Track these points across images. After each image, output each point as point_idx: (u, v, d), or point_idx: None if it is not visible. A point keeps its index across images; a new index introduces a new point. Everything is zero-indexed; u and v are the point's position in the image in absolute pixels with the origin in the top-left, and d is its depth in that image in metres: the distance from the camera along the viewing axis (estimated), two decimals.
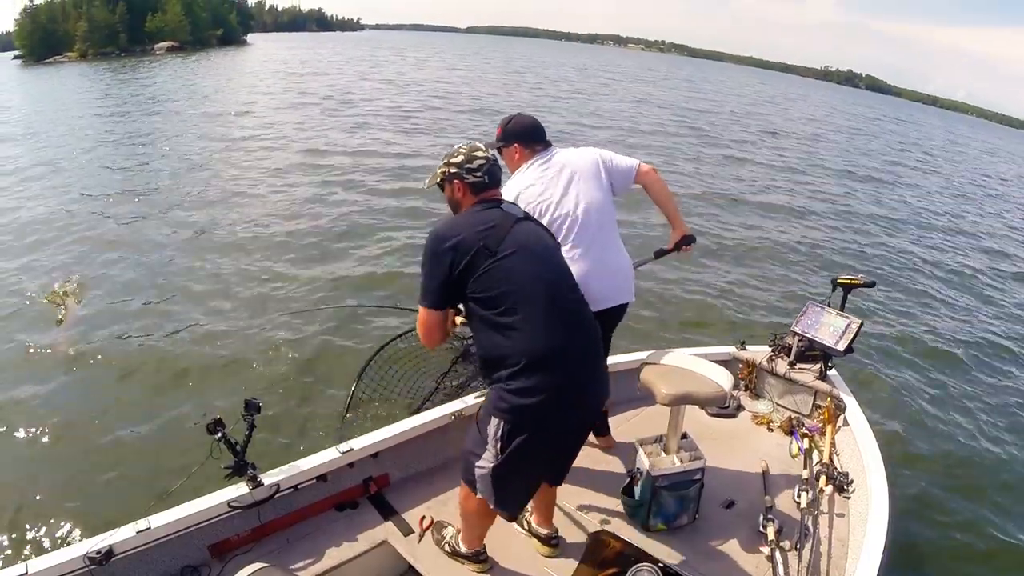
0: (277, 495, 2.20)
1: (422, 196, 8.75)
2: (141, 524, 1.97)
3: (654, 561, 2.17)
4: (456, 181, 1.90)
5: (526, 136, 2.46)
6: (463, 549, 2.16)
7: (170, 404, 4.06)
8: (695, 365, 2.47)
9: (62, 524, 3.06)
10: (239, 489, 2.14)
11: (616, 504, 2.50)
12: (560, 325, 1.77)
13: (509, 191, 2.31)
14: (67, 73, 36.19)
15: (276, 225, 7.90)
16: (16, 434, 3.77)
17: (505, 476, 1.83)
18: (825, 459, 2.70)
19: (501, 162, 2.07)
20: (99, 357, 4.66)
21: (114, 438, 3.74)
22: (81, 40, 57.79)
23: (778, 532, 2.27)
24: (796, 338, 3.17)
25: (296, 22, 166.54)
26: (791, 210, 10.34)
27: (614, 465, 2.77)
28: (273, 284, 6.08)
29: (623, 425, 3.02)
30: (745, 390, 3.38)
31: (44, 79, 32.97)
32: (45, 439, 3.74)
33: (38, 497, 3.26)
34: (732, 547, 2.32)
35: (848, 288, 3.13)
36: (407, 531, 2.34)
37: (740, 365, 3.37)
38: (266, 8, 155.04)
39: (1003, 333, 6.30)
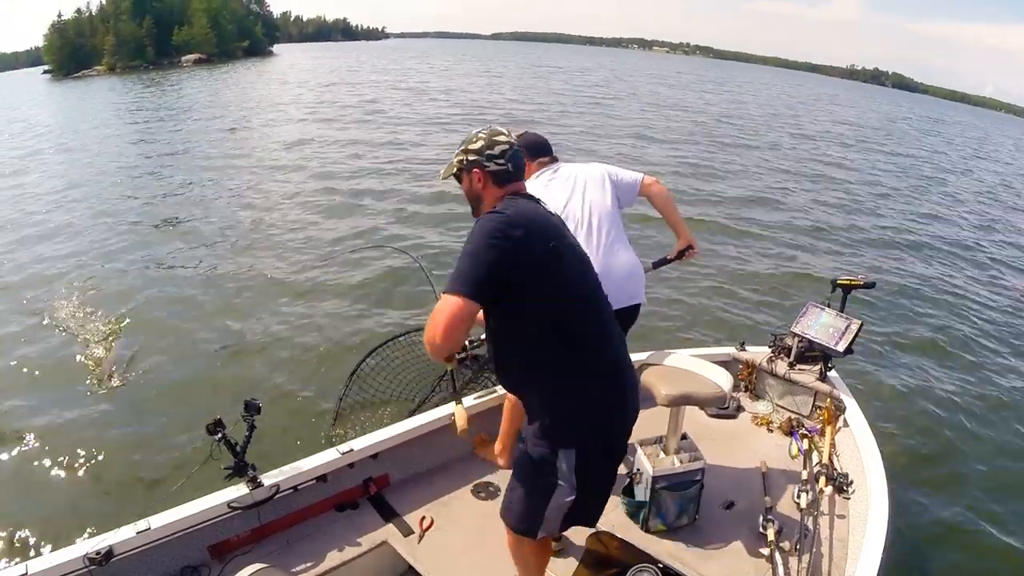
0: (277, 496, 2.20)
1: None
2: (141, 524, 1.97)
3: (654, 561, 2.17)
4: (476, 170, 1.69)
5: (533, 150, 2.54)
6: None
7: (170, 404, 4.06)
8: (695, 366, 2.47)
9: (62, 524, 3.06)
10: (239, 490, 2.14)
11: (616, 504, 2.50)
12: (611, 335, 1.70)
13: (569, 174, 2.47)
14: (97, 87, 36.68)
15: (287, 225, 7.98)
16: (16, 434, 3.78)
17: (584, 502, 1.72)
18: (825, 460, 2.70)
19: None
20: (98, 358, 4.66)
21: (114, 438, 3.74)
22: (109, 54, 58.90)
23: (778, 533, 2.27)
24: (796, 339, 3.17)
25: (321, 32, 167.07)
26: (793, 211, 10.34)
27: None
28: (276, 285, 6.09)
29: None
30: (745, 391, 3.38)
31: (74, 93, 33.39)
32: (45, 440, 3.74)
33: (38, 497, 3.26)
34: (732, 548, 2.32)
35: (848, 289, 3.13)
36: (407, 532, 2.34)
37: (740, 366, 3.37)
38: (291, 19, 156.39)
39: (1004, 333, 6.30)
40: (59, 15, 62.93)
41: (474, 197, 1.74)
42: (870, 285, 3.17)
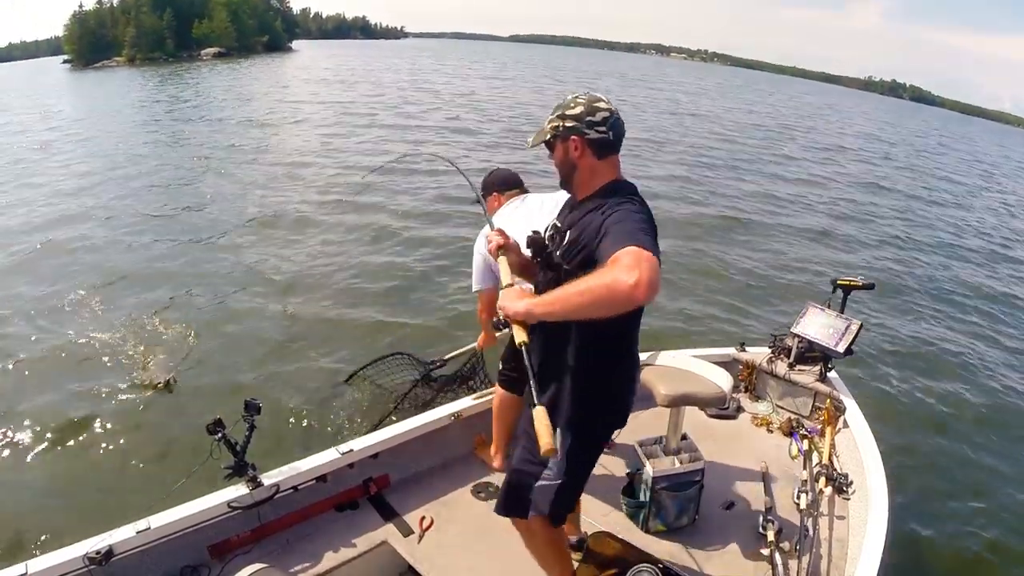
0: (277, 495, 2.20)
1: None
2: (141, 524, 1.97)
3: (654, 562, 2.17)
4: (574, 138, 1.56)
5: (502, 184, 2.68)
6: None
7: (170, 405, 4.06)
8: (695, 366, 2.48)
9: (62, 524, 3.05)
10: (239, 489, 2.14)
11: (616, 505, 2.50)
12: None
13: (481, 243, 2.47)
14: (117, 77, 36.84)
15: (295, 225, 7.98)
16: (16, 435, 3.77)
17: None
18: (825, 460, 2.70)
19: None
20: (98, 359, 4.66)
21: (114, 438, 3.74)
22: (129, 45, 59.00)
23: (778, 533, 2.28)
24: (796, 339, 3.17)
25: (340, 30, 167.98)
26: (795, 213, 10.35)
27: (614, 466, 2.77)
28: (281, 287, 6.09)
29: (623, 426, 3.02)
30: (745, 391, 3.38)
31: (94, 83, 33.64)
32: (45, 440, 3.74)
33: (39, 497, 3.26)
34: (732, 548, 2.32)
35: (848, 290, 3.14)
36: (407, 532, 2.34)
37: (740, 366, 3.38)
38: (311, 16, 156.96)
39: (1004, 334, 6.31)
40: (80, 5, 63.86)
41: (568, 167, 1.61)
42: (869, 287, 3.18)
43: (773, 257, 7.92)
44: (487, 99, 24.01)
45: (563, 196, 2.54)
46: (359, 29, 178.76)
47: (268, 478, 2.20)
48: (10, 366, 4.55)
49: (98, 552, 1.84)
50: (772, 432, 3.12)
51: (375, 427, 3.27)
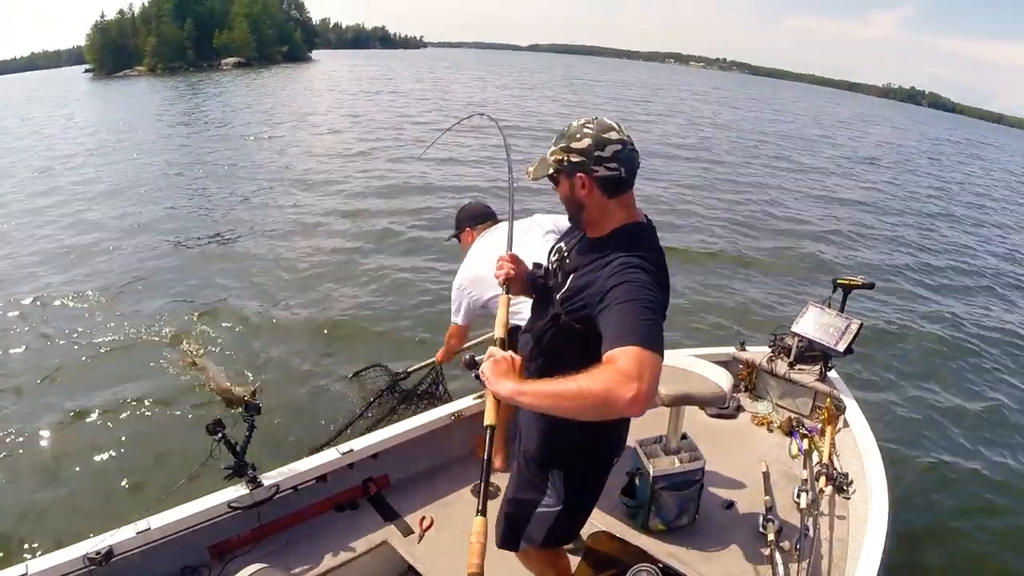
0: (277, 496, 2.20)
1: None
2: (141, 524, 1.97)
3: (654, 561, 2.17)
4: (580, 175, 1.38)
5: (473, 219, 2.72)
6: None
7: (169, 405, 4.06)
8: (695, 366, 2.47)
9: (62, 524, 3.06)
10: (239, 490, 2.14)
11: (616, 504, 2.50)
12: None
13: (468, 265, 2.51)
14: (140, 87, 37.23)
15: (303, 229, 8.02)
16: (16, 435, 3.77)
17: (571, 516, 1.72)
18: (825, 460, 2.69)
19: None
20: (98, 360, 4.66)
21: (114, 439, 3.74)
22: (150, 55, 60.03)
23: (778, 533, 2.27)
24: (796, 339, 3.17)
25: (360, 39, 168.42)
26: (797, 213, 10.34)
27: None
28: (285, 288, 6.10)
29: None
30: (745, 391, 3.38)
31: (116, 92, 34.02)
32: (45, 440, 3.74)
33: (39, 497, 3.26)
34: (732, 547, 2.32)
35: (848, 289, 3.13)
36: (407, 532, 2.34)
37: (740, 366, 3.37)
38: (330, 25, 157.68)
39: (1005, 334, 6.30)
40: (102, 15, 64.43)
41: (575, 205, 1.45)
42: (870, 286, 3.17)
43: (774, 256, 7.92)
44: (511, 109, 23.48)
45: (544, 220, 2.52)
46: (378, 39, 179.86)
47: (268, 478, 2.20)
48: (10, 366, 4.55)
49: (98, 552, 1.84)
50: (772, 431, 3.11)
51: (339, 434, 3.37)
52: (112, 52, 60.42)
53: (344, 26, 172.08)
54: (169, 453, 3.55)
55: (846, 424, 2.88)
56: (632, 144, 1.40)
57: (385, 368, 3.89)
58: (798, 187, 12.49)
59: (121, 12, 64.99)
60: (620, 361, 1.17)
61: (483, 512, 1.35)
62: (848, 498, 2.55)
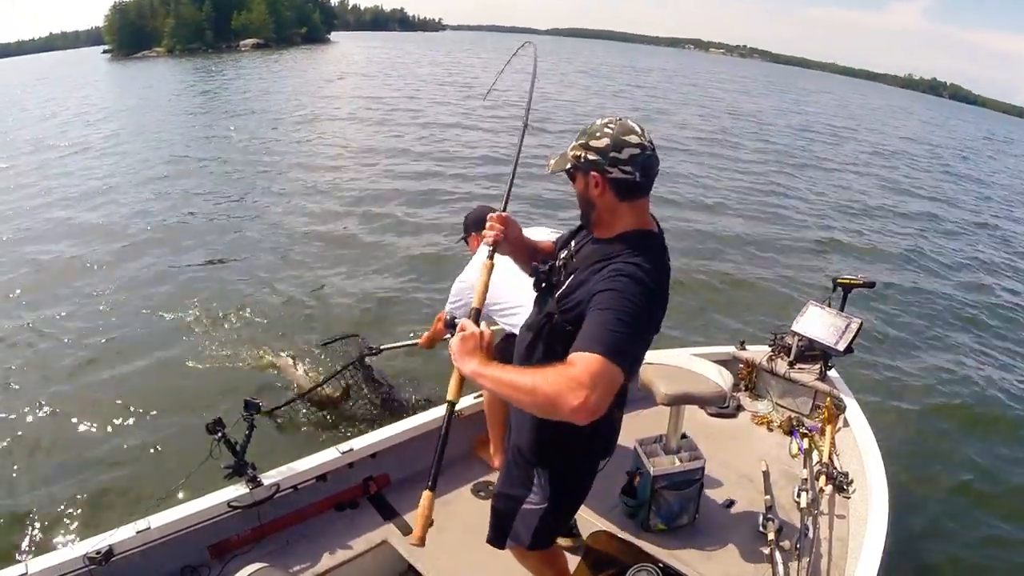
0: (277, 495, 2.20)
1: None
2: (141, 524, 1.97)
3: (654, 561, 2.17)
4: (595, 174, 1.37)
5: (478, 224, 2.63)
6: None
7: (169, 405, 4.06)
8: (695, 365, 2.47)
9: (62, 524, 3.06)
10: (239, 489, 2.14)
11: (616, 504, 2.50)
12: None
13: (473, 269, 2.47)
14: (159, 68, 37.37)
15: (312, 225, 7.98)
16: (16, 435, 3.78)
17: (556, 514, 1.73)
18: (825, 459, 2.70)
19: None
20: (98, 358, 4.66)
21: (114, 439, 3.74)
22: (168, 36, 60.07)
23: (778, 532, 2.27)
24: (796, 338, 3.16)
25: (378, 21, 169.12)
26: (797, 214, 10.33)
27: (614, 465, 2.76)
28: (287, 289, 6.10)
29: (623, 425, 3.02)
30: (745, 390, 3.38)
31: (135, 73, 34.35)
32: (45, 440, 3.74)
33: (39, 497, 3.26)
34: (732, 547, 2.32)
35: (848, 288, 3.13)
36: (407, 531, 2.34)
37: (740, 365, 3.37)
38: (349, 7, 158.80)
39: (1006, 333, 6.30)
40: None
41: (587, 203, 1.44)
42: (870, 285, 3.17)
43: (774, 255, 7.91)
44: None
45: (542, 232, 2.51)
46: (397, 21, 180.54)
47: (268, 477, 2.20)
48: (10, 367, 4.55)
49: (98, 552, 1.84)
50: (772, 431, 3.11)
51: (298, 397, 3.61)
52: (130, 33, 60.71)
53: (363, 8, 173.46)
54: (169, 452, 3.55)
55: (846, 423, 2.87)
56: (652, 150, 1.37)
57: (361, 338, 3.87)
58: (816, 184, 12.48)
59: None
60: (577, 367, 1.17)
61: (432, 488, 1.53)
62: (848, 497, 2.55)
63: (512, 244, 1.65)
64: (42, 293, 5.79)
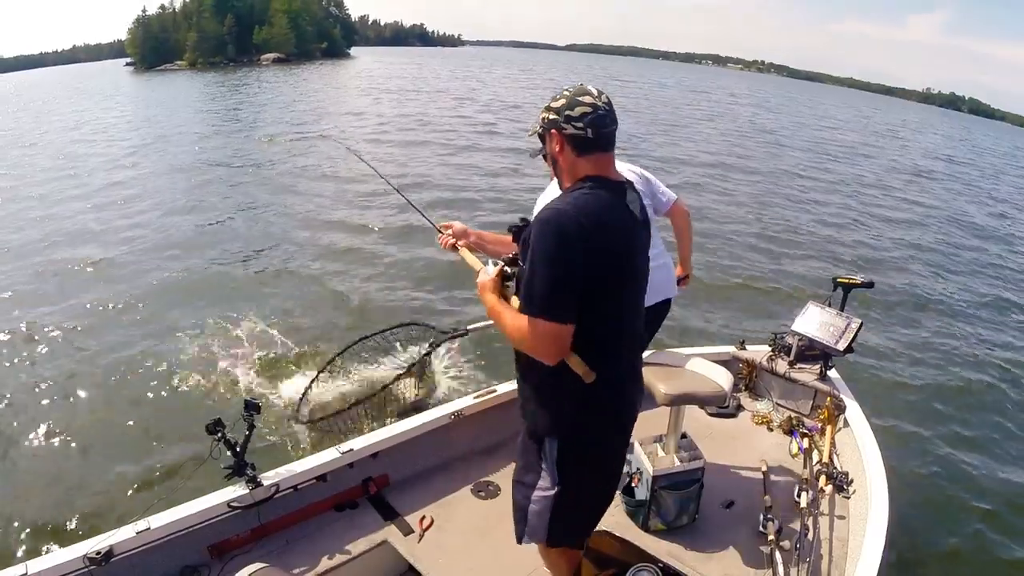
0: (277, 495, 2.20)
1: None
2: (141, 524, 1.97)
3: (654, 561, 2.17)
4: (553, 131, 1.49)
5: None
6: None
7: (169, 405, 4.07)
8: (695, 365, 2.47)
9: (62, 524, 3.06)
10: (239, 489, 2.14)
11: (616, 504, 2.50)
12: (632, 363, 1.67)
13: (549, 192, 2.40)
14: (183, 81, 37.91)
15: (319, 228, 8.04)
16: (16, 435, 3.78)
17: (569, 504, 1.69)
18: (825, 459, 2.70)
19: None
20: (98, 358, 4.66)
21: (114, 439, 3.74)
22: (191, 50, 61.03)
23: (778, 532, 2.27)
24: (796, 338, 3.16)
25: (398, 37, 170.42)
26: (798, 214, 10.34)
27: None
28: (288, 289, 6.11)
29: None
30: (745, 390, 3.38)
31: (158, 85, 34.91)
32: (45, 440, 3.74)
33: (39, 497, 3.26)
34: (732, 547, 2.31)
35: (848, 288, 3.13)
36: (407, 531, 2.34)
37: (740, 365, 3.37)
38: (369, 23, 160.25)
39: (1006, 333, 6.30)
40: (144, 10, 67.16)
41: (553, 162, 1.56)
42: (869, 285, 3.17)
43: (774, 255, 7.91)
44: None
45: (633, 168, 2.51)
46: (417, 36, 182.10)
47: (268, 478, 2.20)
48: (11, 367, 4.56)
49: (98, 552, 1.84)
50: (772, 430, 3.11)
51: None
52: (153, 46, 61.79)
53: (383, 23, 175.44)
54: (169, 453, 3.55)
55: (846, 423, 2.87)
56: (605, 110, 1.47)
57: (424, 326, 3.77)
58: (817, 185, 12.48)
59: (162, 7, 66.68)
60: (525, 326, 1.42)
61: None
62: (848, 498, 2.54)
63: (474, 246, 1.92)
64: (49, 292, 5.81)
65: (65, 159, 12.89)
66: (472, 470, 2.69)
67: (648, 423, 2.83)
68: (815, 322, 3.07)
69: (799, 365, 3.18)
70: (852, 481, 2.58)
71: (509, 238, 1.68)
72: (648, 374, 2.38)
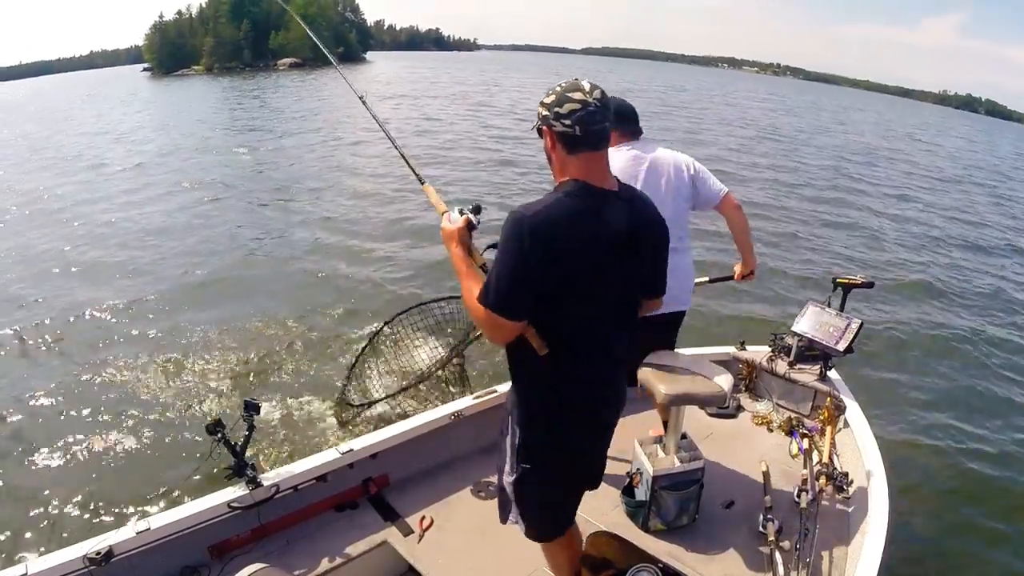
0: (277, 495, 2.20)
1: None
2: (141, 524, 1.97)
3: (654, 561, 2.16)
4: (544, 128, 1.48)
5: (621, 119, 2.39)
6: None
7: (170, 406, 4.06)
8: (695, 365, 2.47)
9: (62, 524, 3.06)
10: (239, 489, 2.14)
11: (616, 504, 2.50)
12: (611, 357, 1.62)
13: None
14: (201, 87, 37.96)
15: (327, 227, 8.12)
16: (16, 435, 3.78)
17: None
18: (825, 459, 2.69)
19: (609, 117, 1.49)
20: (99, 358, 4.66)
21: (114, 439, 3.74)
22: (207, 55, 61.66)
23: (778, 532, 2.27)
24: (796, 338, 3.16)
25: (413, 41, 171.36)
26: (798, 214, 10.34)
27: (614, 466, 2.75)
28: (287, 287, 6.11)
29: (623, 425, 3.01)
30: (745, 390, 3.38)
31: (176, 90, 35.25)
32: (45, 441, 3.74)
33: (39, 498, 3.26)
34: (732, 547, 2.31)
35: (848, 288, 3.13)
36: (407, 531, 2.34)
37: (740, 365, 3.37)
38: (384, 27, 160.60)
39: (1006, 332, 6.29)
40: (160, 15, 66.72)
41: (547, 157, 1.53)
42: (869, 285, 3.17)
43: (774, 255, 7.91)
44: None
45: (683, 160, 2.47)
46: (432, 41, 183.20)
47: (268, 478, 2.20)
48: (10, 367, 4.56)
49: (98, 552, 1.84)
50: (772, 431, 3.11)
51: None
52: (170, 52, 62.37)
53: (398, 28, 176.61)
54: (169, 453, 3.55)
55: (846, 424, 2.87)
56: (596, 107, 1.41)
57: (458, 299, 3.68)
58: (818, 185, 12.47)
59: (179, 13, 67.45)
60: (480, 308, 1.43)
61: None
62: (848, 497, 2.54)
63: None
64: (51, 291, 5.80)
65: (98, 161, 13.14)
66: (472, 470, 2.69)
67: (648, 423, 2.84)
68: (815, 322, 3.07)
69: (799, 366, 3.18)
70: (852, 481, 2.58)
71: None
72: (648, 374, 2.38)
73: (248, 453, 2.18)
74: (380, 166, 11.95)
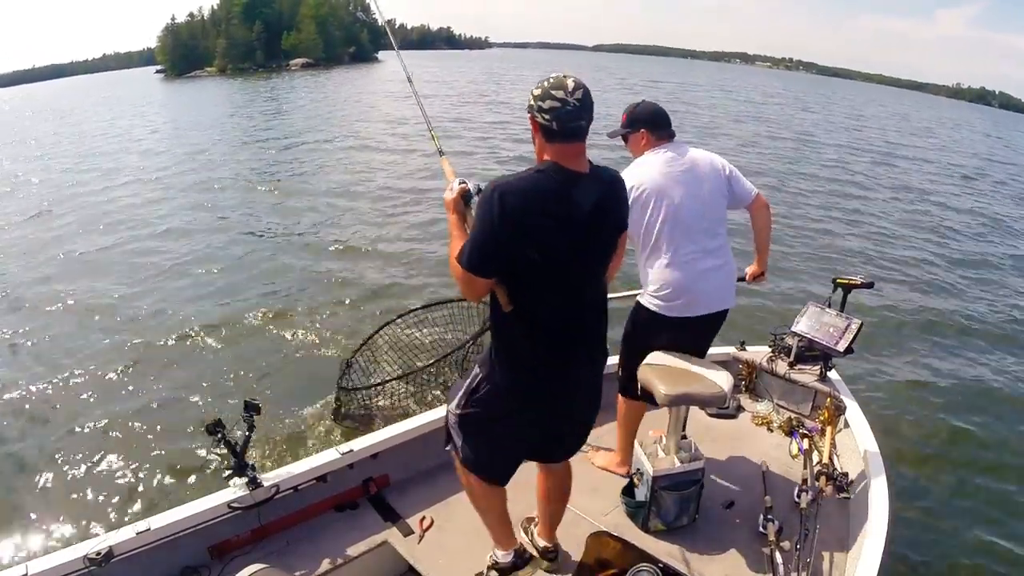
0: (277, 496, 2.20)
1: None
2: (141, 525, 1.97)
3: (654, 561, 2.17)
4: (531, 117, 1.61)
5: (654, 122, 2.42)
6: (502, 558, 2.13)
7: (170, 406, 4.07)
8: (694, 365, 2.47)
9: (62, 524, 3.06)
10: (239, 490, 2.14)
11: (616, 504, 2.50)
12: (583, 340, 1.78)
13: (633, 175, 2.33)
14: (215, 88, 38.01)
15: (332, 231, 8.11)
16: (16, 435, 3.78)
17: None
18: (825, 459, 2.69)
19: (587, 114, 1.60)
20: (98, 362, 4.66)
21: (113, 439, 3.74)
22: (220, 56, 61.86)
23: (778, 532, 2.27)
24: (796, 338, 3.16)
25: (425, 40, 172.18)
26: (798, 213, 10.33)
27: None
28: (287, 287, 6.10)
29: None
30: (745, 391, 3.38)
31: (191, 91, 35.43)
32: (45, 441, 3.74)
33: (39, 497, 3.27)
34: (732, 547, 2.31)
35: (848, 288, 3.13)
36: (407, 532, 2.34)
37: (740, 366, 3.37)
38: (396, 27, 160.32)
39: (1006, 333, 6.29)
40: (173, 17, 67.10)
41: (534, 143, 1.67)
42: (869, 285, 3.17)
43: (774, 254, 7.90)
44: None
45: (718, 162, 2.49)
46: (444, 39, 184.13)
47: (268, 478, 2.20)
48: (10, 368, 4.56)
49: (98, 553, 1.84)
50: (772, 431, 3.11)
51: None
52: (183, 53, 62.67)
53: (409, 27, 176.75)
54: (169, 453, 3.55)
55: (846, 424, 2.87)
56: (574, 105, 1.54)
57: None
58: (819, 186, 12.45)
59: (191, 15, 67.93)
60: (456, 264, 1.61)
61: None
62: (848, 498, 2.54)
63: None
64: (53, 289, 5.81)
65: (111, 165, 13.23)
66: None
67: (648, 423, 2.84)
68: (815, 323, 3.07)
69: (799, 366, 3.18)
70: (852, 482, 2.58)
71: None
72: (648, 375, 2.38)
73: (248, 453, 2.18)
74: (400, 159, 12.25)
